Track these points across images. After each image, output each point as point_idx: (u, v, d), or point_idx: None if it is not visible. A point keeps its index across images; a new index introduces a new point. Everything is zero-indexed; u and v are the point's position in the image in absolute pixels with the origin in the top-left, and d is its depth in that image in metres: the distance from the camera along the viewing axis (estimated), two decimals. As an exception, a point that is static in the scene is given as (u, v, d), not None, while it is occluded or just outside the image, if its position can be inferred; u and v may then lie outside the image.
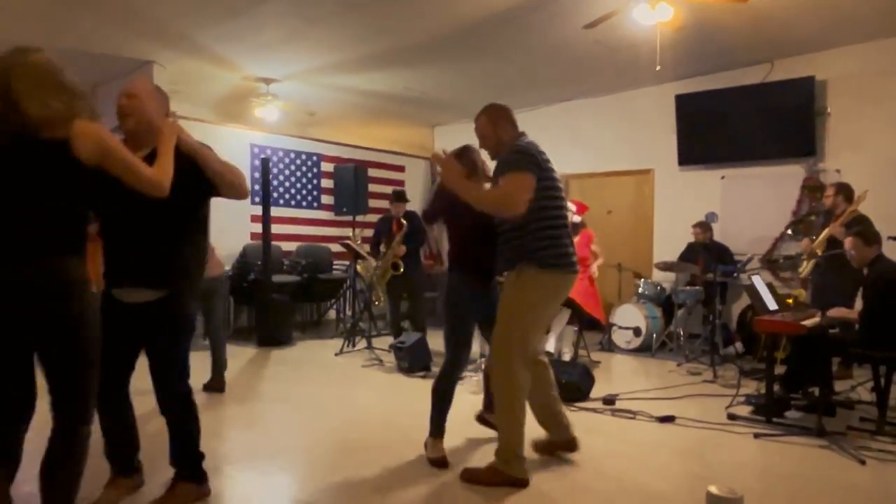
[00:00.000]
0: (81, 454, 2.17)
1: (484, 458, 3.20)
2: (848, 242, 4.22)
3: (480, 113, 3.19)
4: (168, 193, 2.25)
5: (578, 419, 4.08)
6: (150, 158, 2.34)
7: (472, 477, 2.99)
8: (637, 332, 6.52)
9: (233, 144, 7.25)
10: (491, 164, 3.17)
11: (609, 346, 6.68)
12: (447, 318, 3.29)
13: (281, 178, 8.03)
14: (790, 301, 4.68)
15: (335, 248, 8.10)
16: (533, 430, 3.18)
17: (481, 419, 3.68)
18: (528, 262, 2.90)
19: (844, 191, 5.35)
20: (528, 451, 3.11)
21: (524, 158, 2.88)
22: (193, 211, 2.57)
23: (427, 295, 7.48)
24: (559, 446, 3.31)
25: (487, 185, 3.14)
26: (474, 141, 3.26)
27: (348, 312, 7.74)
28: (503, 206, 2.86)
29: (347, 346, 6.48)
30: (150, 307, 2.47)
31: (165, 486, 2.69)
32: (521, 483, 2.92)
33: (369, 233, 6.86)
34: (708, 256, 6.34)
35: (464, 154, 3.25)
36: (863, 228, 4.42)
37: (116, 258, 2.52)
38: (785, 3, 5.15)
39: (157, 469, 2.86)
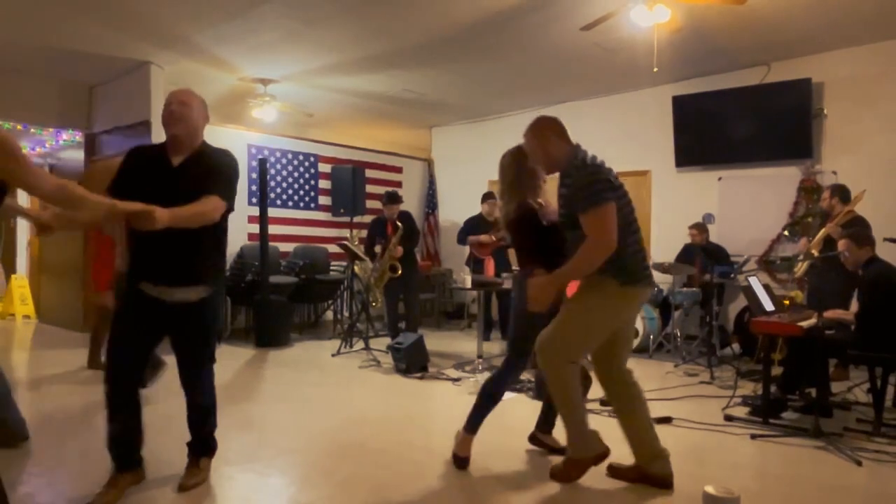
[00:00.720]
0: None
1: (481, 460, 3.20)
2: (841, 244, 4.25)
3: (527, 129, 3.04)
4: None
5: (576, 420, 4.09)
6: (188, 163, 2.64)
7: (561, 476, 3.02)
8: (634, 333, 6.52)
9: (230, 145, 7.12)
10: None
11: (606, 348, 6.67)
12: (521, 323, 3.17)
13: (278, 178, 8.02)
14: (787, 302, 4.69)
15: (332, 248, 8.10)
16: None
17: (534, 439, 3.53)
18: (611, 273, 2.79)
19: (840, 192, 5.38)
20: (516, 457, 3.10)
21: (600, 186, 2.72)
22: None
23: (423, 296, 7.50)
24: (651, 479, 3.01)
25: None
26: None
27: (346, 313, 7.74)
28: (601, 253, 2.70)
29: (345, 346, 6.47)
30: (194, 305, 2.67)
31: (182, 467, 2.85)
32: (603, 454, 3.02)
33: (366, 233, 6.87)
34: (705, 258, 6.36)
35: (521, 166, 3.20)
36: (855, 230, 4.44)
37: (157, 258, 2.59)
38: (782, 5, 5.17)
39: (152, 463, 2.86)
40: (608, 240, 2.69)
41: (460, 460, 3.17)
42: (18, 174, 1.98)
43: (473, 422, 3.20)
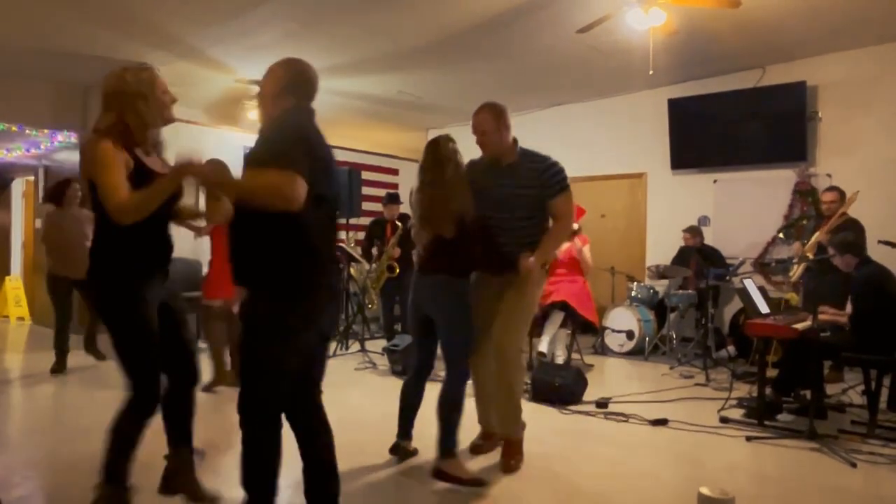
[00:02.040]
0: None
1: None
2: (829, 250, 4.28)
3: (483, 109, 3.19)
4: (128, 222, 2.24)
5: (572, 422, 4.10)
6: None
7: (516, 463, 3.18)
8: (630, 335, 6.54)
9: (226, 147, 7.22)
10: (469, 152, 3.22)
11: (602, 350, 6.69)
12: (464, 328, 3.04)
13: (274, 180, 7.99)
14: (782, 304, 4.70)
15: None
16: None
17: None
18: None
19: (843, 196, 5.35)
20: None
21: (566, 174, 3.15)
22: None
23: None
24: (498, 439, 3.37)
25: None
26: (468, 145, 3.24)
27: (341, 315, 7.73)
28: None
29: (341, 348, 6.46)
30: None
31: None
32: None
33: (363, 236, 6.86)
34: (701, 260, 6.37)
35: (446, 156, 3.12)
36: (839, 237, 4.41)
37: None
38: (776, 9, 5.19)
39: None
40: (572, 221, 3.25)
41: (474, 481, 2.96)
42: (97, 183, 2.19)
43: (451, 443, 2.99)
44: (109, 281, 2.31)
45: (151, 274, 2.40)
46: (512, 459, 3.20)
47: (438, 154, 3.09)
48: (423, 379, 3.27)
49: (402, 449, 3.31)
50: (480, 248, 3.06)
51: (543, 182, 3.10)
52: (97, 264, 2.34)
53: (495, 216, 3.11)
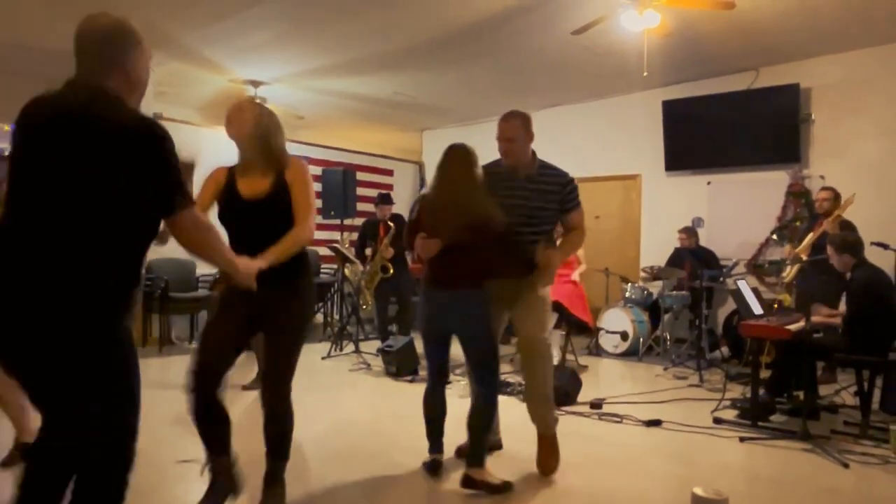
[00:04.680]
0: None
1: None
2: (828, 248, 4.29)
3: (514, 117, 3.06)
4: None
5: (566, 423, 4.09)
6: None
7: (555, 462, 3.17)
8: (624, 336, 6.55)
9: (220, 147, 7.17)
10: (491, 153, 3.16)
11: (596, 351, 6.70)
12: (491, 339, 2.99)
13: (269, 181, 7.98)
14: (775, 306, 4.72)
15: (323, 251, 8.07)
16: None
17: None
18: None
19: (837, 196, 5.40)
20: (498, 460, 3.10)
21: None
22: None
23: (413, 299, 7.47)
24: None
25: None
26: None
27: (336, 316, 7.71)
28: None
29: (335, 349, 6.45)
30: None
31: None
32: None
33: (356, 236, 6.85)
34: (694, 261, 6.39)
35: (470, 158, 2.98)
36: (840, 235, 4.45)
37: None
38: (770, 12, 5.21)
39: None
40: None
41: (503, 486, 2.89)
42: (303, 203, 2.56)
43: (481, 453, 2.92)
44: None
45: None
46: (552, 458, 3.17)
47: (448, 160, 2.97)
48: (443, 386, 3.18)
49: (437, 464, 3.14)
50: (499, 255, 2.91)
51: (564, 197, 3.13)
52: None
53: (530, 231, 3.09)
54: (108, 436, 1.69)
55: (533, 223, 3.09)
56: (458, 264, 2.86)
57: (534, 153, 3.16)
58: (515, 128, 3.03)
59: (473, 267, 2.86)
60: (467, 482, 2.87)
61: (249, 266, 2.16)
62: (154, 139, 1.65)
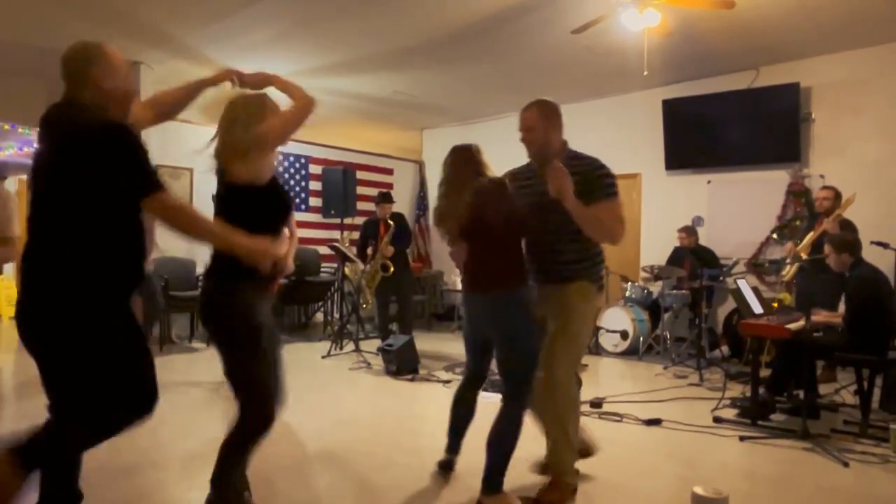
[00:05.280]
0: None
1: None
2: (825, 247, 4.30)
3: (532, 105, 2.90)
4: None
5: (566, 422, 4.10)
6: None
7: (552, 499, 2.78)
8: (624, 335, 6.55)
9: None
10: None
11: (596, 350, 6.71)
12: (531, 353, 2.70)
13: (269, 180, 7.97)
14: (775, 305, 4.72)
15: (323, 250, 8.08)
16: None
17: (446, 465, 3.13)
18: (588, 278, 2.86)
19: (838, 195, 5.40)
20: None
21: (614, 180, 2.80)
22: None
23: (414, 298, 7.48)
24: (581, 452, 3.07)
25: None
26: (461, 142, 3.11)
27: (336, 315, 7.72)
28: (613, 234, 2.76)
29: (335, 348, 6.45)
30: None
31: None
32: (574, 490, 2.88)
33: (357, 235, 6.85)
34: (694, 260, 6.39)
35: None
36: (838, 235, 4.46)
37: None
38: (770, 11, 5.21)
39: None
40: (619, 230, 2.78)
41: None
42: None
43: (499, 477, 2.70)
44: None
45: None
46: (549, 496, 2.80)
47: (453, 158, 2.90)
48: (473, 391, 3.03)
49: (446, 463, 3.08)
50: (498, 256, 2.73)
51: (587, 188, 2.73)
52: None
53: (538, 228, 2.84)
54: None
55: (552, 219, 2.76)
56: (476, 265, 2.78)
57: (564, 144, 2.94)
58: (532, 117, 2.89)
59: (485, 268, 2.74)
60: None
61: (258, 243, 2.15)
62: (115, 136, 1.95)
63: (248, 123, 2.36)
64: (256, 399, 2.25)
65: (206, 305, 2.32)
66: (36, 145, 2.18)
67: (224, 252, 2.17)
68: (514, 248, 2.76)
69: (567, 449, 2.83)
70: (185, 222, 2.06)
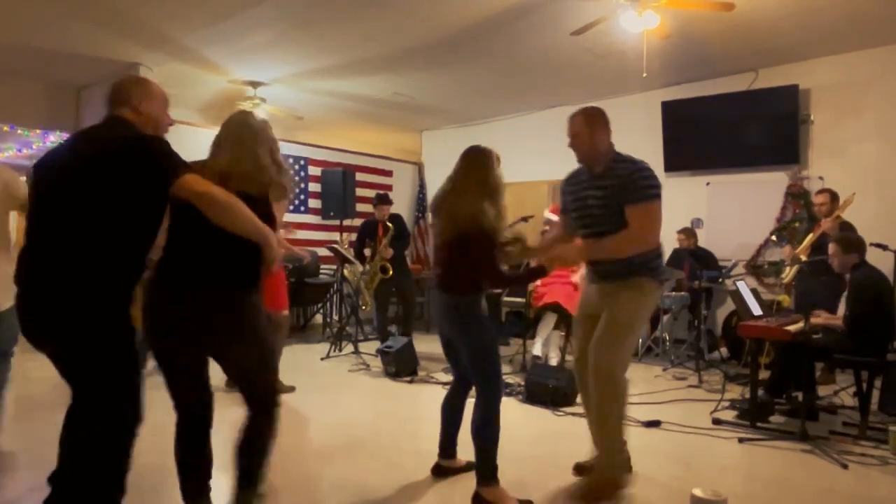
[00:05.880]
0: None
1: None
2: (830, 247, 4.28)
3: (577, 113, 3.05)
4: None
5: (565, 424, 4.10)
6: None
7: (589, 497, 2.82)
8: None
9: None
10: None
11: (595, 351, 6.69)
12: (490, 354, 2.81)
13: (268, 181, 7.97)
14: (774, 307, 4.72)
15: (322, 252, 8.08)
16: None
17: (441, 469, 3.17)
18: (648, 274, 2.89)
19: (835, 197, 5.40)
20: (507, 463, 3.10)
21: (654, 182, 2.84)
22: None
23: (418, 299, 7.48)
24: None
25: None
26: (462, 146, 3.13)
27: (335, 317, 7.72)
28: (636, 246, 2.79)
29: (334, 350, 6.45)
30: None
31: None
32: (616, 485, 2.91)
33: (356, 237, 6.85)
34: (693, 262, 6.39)
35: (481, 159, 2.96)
36: (845, 234, 4.47)
37: None
38: (770, 13, 5.22)
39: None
40: (648, 235, 2.80)
41: None
42: None
43: (489, 468, 2.79)
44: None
45: None
46: (592, 493, 2.83)
47: (467, 160, 2.98)
48: (460, 394, 3.10)
49: (438, 468, 3.14)
50: (480, 264, 2.76)
51: (622, 190, 2.80)
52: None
53: (588, 232, 2.94)
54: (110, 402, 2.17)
55: (596, 224, 2.87)
56: (444, 267, 2.86)
57: (610, 146, 3.00)
58: (577, 123, 3.02)
59: (449, 272, 2.82)
60: (476, 501, 2.76)
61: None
62: (146, 143, 2.17)
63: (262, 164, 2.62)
64: (272, 387, 2.60)
65: (216, 312, 2.29)
66: (57, 154, 2.31)
67: (229, 259, 2.27)
68: (477, 271, 2.78)
69: (608, 438, 2.88)
70: (219, 207, 2.13)
